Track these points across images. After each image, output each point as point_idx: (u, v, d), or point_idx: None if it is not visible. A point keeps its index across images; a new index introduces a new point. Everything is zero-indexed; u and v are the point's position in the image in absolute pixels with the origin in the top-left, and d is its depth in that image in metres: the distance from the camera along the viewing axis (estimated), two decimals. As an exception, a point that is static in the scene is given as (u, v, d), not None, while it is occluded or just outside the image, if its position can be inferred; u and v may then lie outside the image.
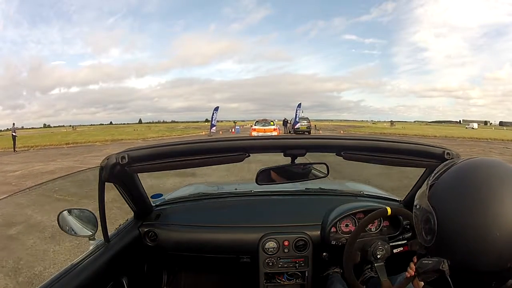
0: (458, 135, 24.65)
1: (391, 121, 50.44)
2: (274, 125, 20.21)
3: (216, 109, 24.79)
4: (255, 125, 20.57)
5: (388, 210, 1.10)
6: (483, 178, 0.52)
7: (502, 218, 0.49)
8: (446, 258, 0.52)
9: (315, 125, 31.01)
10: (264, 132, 18.54)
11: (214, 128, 24.22)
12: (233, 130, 27.82)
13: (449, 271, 0.51)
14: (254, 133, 18.13)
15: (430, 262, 0.54)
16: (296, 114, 24.80)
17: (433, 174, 0.59)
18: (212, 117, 24.72)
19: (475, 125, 53.64)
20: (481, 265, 0.50)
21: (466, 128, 48.72)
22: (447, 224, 0.52)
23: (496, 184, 0.51)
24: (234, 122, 39.12)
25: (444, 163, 0.60)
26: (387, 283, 1.08)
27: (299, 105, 24.82)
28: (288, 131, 25.24)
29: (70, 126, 49.97)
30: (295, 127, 23.79)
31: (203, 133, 25.26)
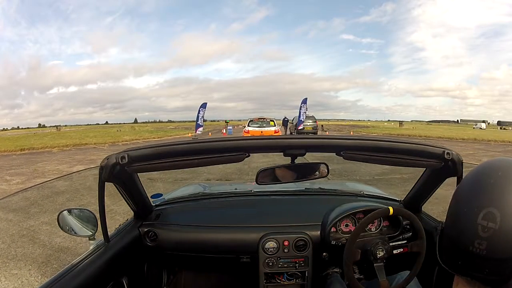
0: (485, 137, 21.02)
1: (400, 121, 48.71)
2: (274, 125, 15.49)
3: (203, 105, 19.32)
4: (248, 125, 15.50)
5: (391, 210, 1.10)
6: (489, 171, 0.56)
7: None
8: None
9: (322, 125, 27.76)
10: (262, 134, 12.23)
11: (200, 128, 19.06)
12: (224, 131, 24.13)
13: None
14: (248, 137, 13.41)
15: None
16: (300, 112, 20.43)
17: None
18: (197, 116, 19.03)
19: (483, 125, 52.08)
20: (466, 243, 0.54)
21: (474, 128, 47.09)
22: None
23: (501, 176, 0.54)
24: (226, 122, 35.24)
25: None
26: (385, 283, 1.09)
27: (304, 101, 20.31)
28: (289, 132, 21.64)
29: (55, 126, 48.56)
30: (299, 127, 20.10)
31: (189, 134, 21.51)
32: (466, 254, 0.54)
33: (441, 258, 0.61)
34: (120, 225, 1.39)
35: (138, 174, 1.20)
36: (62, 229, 1.21)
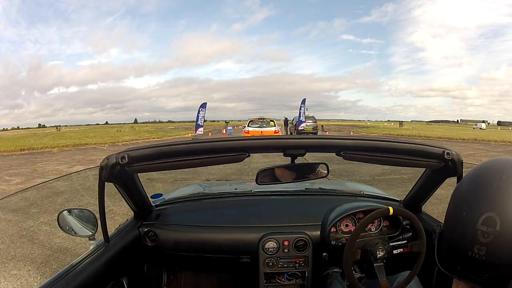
0: (485, 137, 20.46)
1: (400, 121, 48.63)
2: (274, 125, 15.28)
3: (203, 106, 19.09)
4: (248, 125, 15.31)
5: (391, 210, 1.10)
6: (490, 174, 0.55)
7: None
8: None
9: (322, 126, 27.85)
10: (262, 134, 11.18)
11: (201, 129, 18.71)
12: (224, 132, 24.17)
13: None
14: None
15: None
16: (300, 113, 20.72)
17: None
18: (197, 116, 18.81)
19: (483, 125, 51.49)
20: (465, 248, 0.53)
21: (474, 128, 46.53)
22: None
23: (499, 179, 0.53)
24: (226, 122, 35.33)
25: None
26: (385, 283, 1.09)
27: (304, 101, 20.62)
28: (289, 132, 21.85)
29: (55, 126, 48.47)
30: (299, 127, 20.25)
31: (189, 135, 21.30)
32: (465, 259, 0.53)
33: (440, 261, 0.61)
34: (120, 225, 1.39)
35: (138, 174, 1.20)
36: (62, 229, 1.21)
